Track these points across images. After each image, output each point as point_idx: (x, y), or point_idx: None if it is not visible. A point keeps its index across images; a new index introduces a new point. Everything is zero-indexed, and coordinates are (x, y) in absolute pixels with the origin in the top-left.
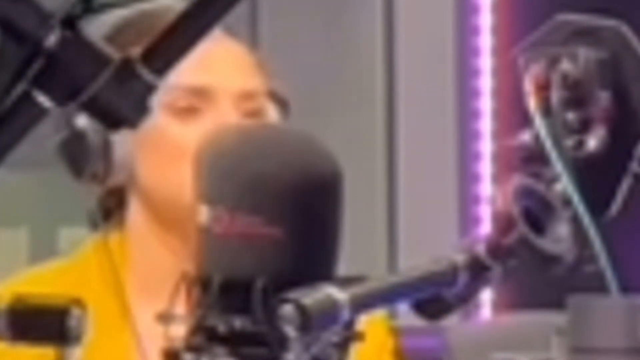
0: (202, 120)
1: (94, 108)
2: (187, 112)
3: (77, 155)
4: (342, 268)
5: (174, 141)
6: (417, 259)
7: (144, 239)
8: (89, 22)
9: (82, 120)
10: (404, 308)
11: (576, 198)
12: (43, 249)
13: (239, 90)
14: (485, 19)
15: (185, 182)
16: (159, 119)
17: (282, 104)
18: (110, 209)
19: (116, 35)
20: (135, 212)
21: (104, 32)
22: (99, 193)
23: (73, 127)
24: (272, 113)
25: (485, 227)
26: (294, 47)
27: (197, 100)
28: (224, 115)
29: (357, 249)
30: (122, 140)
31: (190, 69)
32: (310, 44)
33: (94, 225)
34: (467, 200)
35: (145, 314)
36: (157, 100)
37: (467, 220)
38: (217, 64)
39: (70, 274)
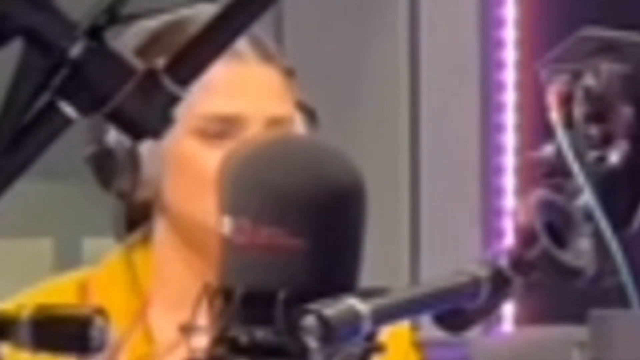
0: (230, 145)
1: (117, 118)
2: (217, 137)
3: (104, 170)
4: (365, 280)
5: (201, 168)
6: (440, 272)
7: (168, 257)
8: (120, 32)
9: (112, 137)
10: (426, 320)
11: (598, 212)
12: (67, 260)
13: (269, 116)
14: (509, 33)
15: (209, 208)
16: (187, 142)
17: (310, 114)
18: (136, 221)
19: (148, 46)
20: (160, 229)
21: (136, 42)
22: (124, 206)
23: (102, 142)
24: (299, 127)
25: (508, 240)
26: (319, 56)
27: (227, 127)
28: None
29: (381, 261)
30: (150, 159)
31: (221, 96)
32: (333, 61)
33: (118, 236)
34: (490, 213)
35: (168, 329)
36: (185, 124)
37: (490, 233)
38: (247, 89)
39: (93, 284)
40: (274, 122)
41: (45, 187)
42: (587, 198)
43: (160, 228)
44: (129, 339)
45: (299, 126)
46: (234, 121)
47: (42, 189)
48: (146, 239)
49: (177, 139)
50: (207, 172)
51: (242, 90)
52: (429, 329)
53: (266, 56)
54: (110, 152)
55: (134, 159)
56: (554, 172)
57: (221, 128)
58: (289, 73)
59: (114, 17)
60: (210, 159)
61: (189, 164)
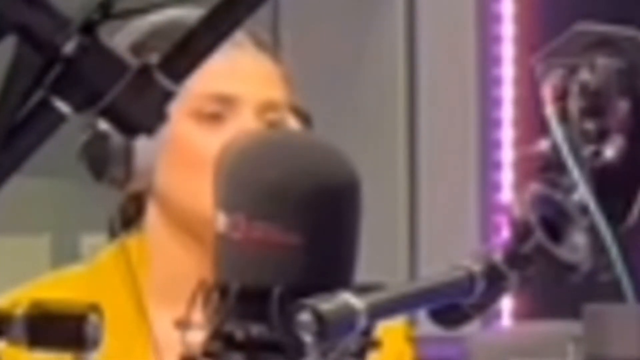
0: (225, 128)
1: (111, 114)
2: (211, 119)
3: (98, 158)
4: (364, 276)
5: (195, 149)
6: (438, 267)
7: (163, 243)
8: (117, 29)
9: (106, 124)
10: (423, 316)
11: (593, 207)
12: (65, 256)
13: (262, 100)
14: (507, 29)
15: (203, 192)
16: (182, 125)
17: (305, 118)
18: (131, 216)
19: (145, 42)
20: (153, 217)
21: (133, 39)
22: (120, 199)
23: (96, 129)
24: (293, 125)
25: (506, 235)
26: (315, 52)
27: (221, 108)
28: (246, 124)
29: (379, 257)
30: (144, 146)
31: (218, 77)
32: (330, 56)
33: (113, 233)
34: (488, 208)
35: (164, 320)
36: (181, 106)
37: (488, 228)
38: (244, 73)
39: (88, 279)
40: (267, 106)
41: (43, 184)
42: (582, 193)
43: (153, 214)
44: (128, 335)
45: (294, 127)
46: (229, 102)
47: (40, 185)
48: (139, 231)
49: (172, 122)
50: (202, 155)
51: (238, 73)
52: (426, 325)
53: (261, 45)
54: (104, 140)
55: (128, 146)
56: (550, 167)
57: (216, 109)
58: (286, 80)
59: (107, 13)
60: (205, 141)
61: (183, 146)
